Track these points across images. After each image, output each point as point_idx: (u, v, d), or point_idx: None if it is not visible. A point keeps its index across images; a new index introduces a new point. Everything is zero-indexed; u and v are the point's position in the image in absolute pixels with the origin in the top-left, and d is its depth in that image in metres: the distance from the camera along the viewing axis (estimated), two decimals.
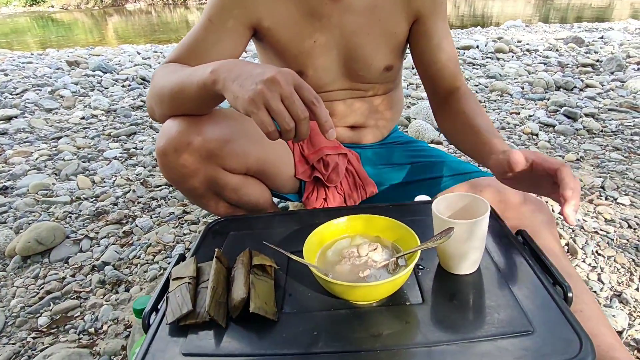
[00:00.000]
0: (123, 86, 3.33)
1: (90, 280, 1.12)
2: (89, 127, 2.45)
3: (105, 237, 1.32)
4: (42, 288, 1.10)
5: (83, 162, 1.92)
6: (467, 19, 9.98)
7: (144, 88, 3.28)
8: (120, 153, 2.01)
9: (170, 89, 0.70)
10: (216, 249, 0.61)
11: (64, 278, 1.14)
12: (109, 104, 2.83)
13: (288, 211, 0.86)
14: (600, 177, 1.55)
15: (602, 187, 1.48)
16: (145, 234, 1.33)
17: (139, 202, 1.53)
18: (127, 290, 1.08)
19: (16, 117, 2.61)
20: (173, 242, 1.28)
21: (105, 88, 3.28)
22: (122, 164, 1.89)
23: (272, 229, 0.73)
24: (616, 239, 1.18)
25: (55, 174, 1.81)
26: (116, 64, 4.36)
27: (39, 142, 2.22)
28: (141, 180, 1.69)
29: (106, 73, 3.71)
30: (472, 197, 0.58)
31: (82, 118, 2.61)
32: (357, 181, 0.97)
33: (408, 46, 0.92)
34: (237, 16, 0.80)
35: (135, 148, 2.07)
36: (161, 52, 4.83)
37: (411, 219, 0.65)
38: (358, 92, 0.93)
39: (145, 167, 1.83)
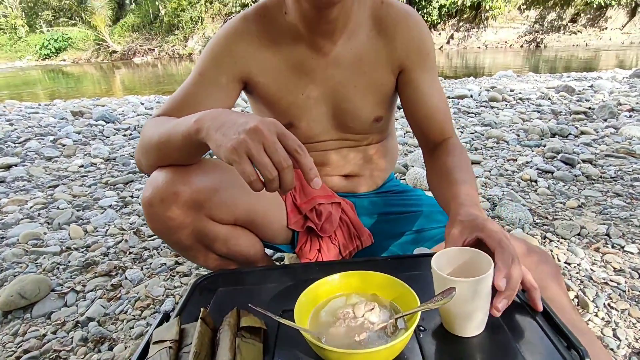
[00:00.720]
0: (124, 135, 3.38)
1: (72, 337, 1.06)
2: (87, 175, 2.44)
3: (92, 290, 1.26)
4: (20, 346, 1.03)
5: (77, 210, 1.89)
6: (460, 70, 10.36)
7: None
8: (116, 201, 1.98)
9: (157, 140, 0.69)
10: (202, 309, 0.56)
11: (44, 335, 1.07)
12: (109, 152, 2.85)
13: (280, 265, 0.82)
14: (604, 224, 1.52)
15: (608, 235, 1.44)
16: (134, 286, 1.28)
17: (130, 253, 1.49)
18: (110, 348, 1.01)
19: (16, 165, 2.62)
20: (163, 295, 1.22)
21: (107, 137, 3.32)
22: (117, 212, 1.86)
23: (263, 284, 0.69)
24: (628, 290, 1.13)
25: (48, 223, 1.78)
26: (119, 114, 4.45)
27: (35, 190, 2.20)
28: (134, 230, 1.65)
29: (109, 122, 3.77)
30: (474, 252, 0.54)
31: (81, 166, 2.61)
32: (352, 231, 0.94)
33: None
34: (227, 71, 0.81)
35: (132, 196, 2.05)
36: (164, 103, 4.95)
37: (410, 274, 0.61)
38: (350, 142, 0.92)
39: (139, 216, 1.79)
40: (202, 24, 21.25)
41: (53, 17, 28.87)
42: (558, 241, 1.42)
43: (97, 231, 1.68)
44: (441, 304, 0.47)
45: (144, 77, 15.39)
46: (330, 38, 0.80)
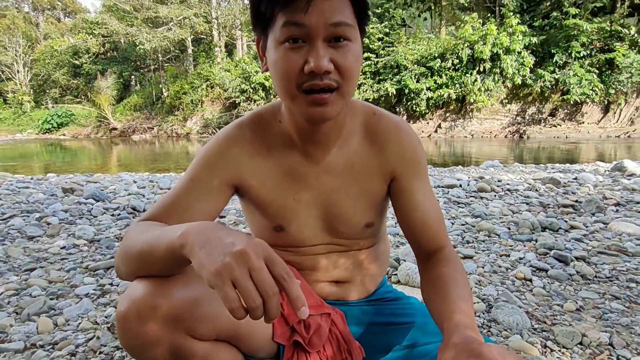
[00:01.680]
0: (112, 215, 3.33)
1: None
2: (67, 258, 2.35)
3: None
4: None
5: (51, 299, 1.77)
6: (448, 157, 10.77)
7: (133, 218, 3.27)
8: (94, 289, 1.88)
9: (139, 249, 0.66)
10: None
11: None
12: (94, 233, 2.78)
13: None
14: (606, 331, 1.45)
15: (611, 344, 1.36)
16: None
17: (100, 352, 1.37)
18: None
19: None
20: None
21: (94, 216, 3.26)
22: (93, 302, 1.75)
23: None
24: None
25: (17, 313, 1.65)
26: (110, 192, 4.44)
27: (10, 273, 2.09)
28: (109, 325, 1.54)
29: (98, 201, 3.74)
30: None
31: (63, 247, 2.52)
32: (342, 345, 0.87)
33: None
34: (219, 175, 0.81)
35: (111, 284, 1.95)
36: (157, 182, 4.98)
37: None
38: (340, 246, 0.90)
39: (116, 308, 1.68)
40: (201, 106, 22.35)
41: (59, 95, 30.32)
42: (560, 351, 1.34)
43: (68, 324, 1.56)
44: None
45: (141, 154, 15.72)
46: (323, 147, 0.82)
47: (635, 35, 15.72)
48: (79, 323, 1.56)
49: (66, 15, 38.32)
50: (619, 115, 16.26)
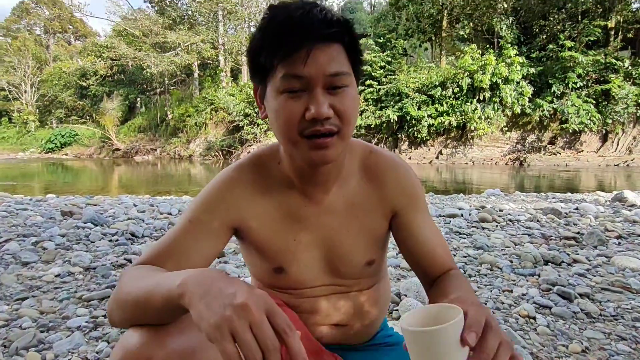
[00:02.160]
0: (110, 241, 3.29)
1: None
2: (61, 287, 2.30)
3: None
4: None
5: (41, 331, 1.73)
6: (450, 184, 10.77)
7: (131, 244, 3.24)
8: (86, 322, 1.83)
9: (135, 296, 0.64)
10: None
11: None
12: (91, 260, 2.74)
13: None
14: None
15: None
16: None
17: None
18: None
19: None
20: None
21: (92, 242, 3.23)
22: (85, 336, 1.70)
23: None
24: None
25: (5, 347, 1.61)
26: (109, 216, 4.42)
27: (0, 302, 2.05)
28: None
29: (97, 225, 3.72)
30: (444, 306, 0.53)
31: (57, 275, 2.48)
32: None
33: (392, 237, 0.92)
34: (219, 217, 0.80)
35: (104, 316, 1.90)
36: (157, 206, 4.96)
37: None
38: (341, 287, 0.89)
39: (109, 343, 1.64)
40: (205, 129, 22.58)
41: (65, 115, 30.70)
42: None
43: None
44: None
45: (142, 175, 15.77)
46: (323, 188, 0.82)
47: (630, 67, 16.02)
48: (69, 359, 1.52)
49: (77, 38, 39.25)
50: (617, 144, 16.37)
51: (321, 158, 0.70)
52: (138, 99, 29.86)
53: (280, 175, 0.83)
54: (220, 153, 21.18)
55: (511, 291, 2.20)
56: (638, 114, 15.70)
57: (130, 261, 2.75)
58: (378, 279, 0.94)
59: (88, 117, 29.18)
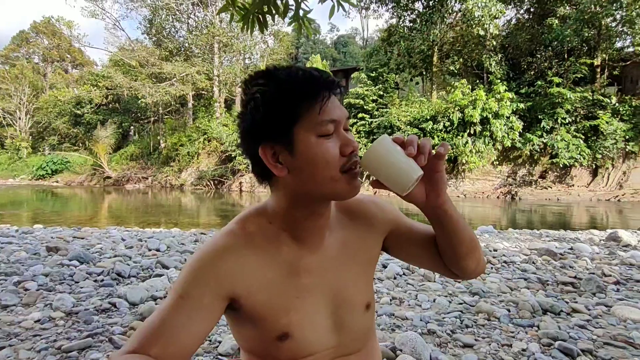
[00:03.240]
0: (95, 281, 3.18)
1: None
2: (40, 335, 2.19)
3: None
4: None
5: None
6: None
7: (117, 285, 3.12)
8: None
9: None
10: None
11: None
12: (73, 303, 2.63)
13: None
14: None
15: None
16: None
17: None
18: None
19: None
20: None
21: (76, 282, 3.11)
22: None
23: None
24: None
25: None
26: (96, 251, 4.30)
27: None
28: None
29: (82, 263, 3.60)
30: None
31: (37, 321, 2.37)
32: None
33: (398, 259, 0.97)
34: (212, 290, 0.74)
35: None
36: (145, 242, 4.84)
37: None
38: (344, 349, 0.84)
39: None
40: (197, 158, 22.57)
41: (58, 142, 30.59)
42: None
43: None
44: None
45: (132, 204, 15.57)
46: (319, 234, 0.82)
47: (617, 104, 16.47)
48: None
49: (74, 67, 39.68)
50: (608, 179, 16.57)
51: (357, 188, 0.76)
52: (132, 127, 29.92)
53: (273, 235, 0.81)
54: (212, 183, 21.08)
55: (510, 345, 2.12)
56: (627, 150, 15.99)
57: (114, 305, 2.64)
58: (373, 335, 0.93)
59: (81, 145, 29.08)
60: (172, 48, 25.39)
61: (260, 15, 2.32)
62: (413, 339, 1.95)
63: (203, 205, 15.33)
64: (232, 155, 20.19)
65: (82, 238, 5.28)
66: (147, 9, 25.77)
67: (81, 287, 3.01)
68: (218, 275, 0.75)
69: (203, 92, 25.76)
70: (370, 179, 0.76)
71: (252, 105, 0.74)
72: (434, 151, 0.74)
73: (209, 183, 21.16)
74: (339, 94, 0.76)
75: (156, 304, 2.64)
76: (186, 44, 26.03)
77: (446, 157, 0.76)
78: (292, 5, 2.38)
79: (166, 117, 27.75)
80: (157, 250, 4.47)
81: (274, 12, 2.33)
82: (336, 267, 0.84)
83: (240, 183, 19.98)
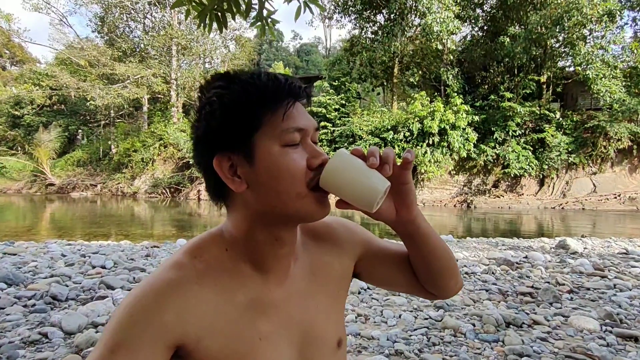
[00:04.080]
0: (25, 306, 2.81)
1: None
2: None
3: None
4: None
5: None
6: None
7: (51, 310, 2.78)
8: None
9: None
10: None
11: None
12: None
13: None
14: None
15: None
16: None
17: None
18: None
19: None
20: None
21: (1, 308, 2.73)
22: None
23: None
24: None
25: None
26: (30, 270, 3.87)
27: None
28: None
29: (12, 285, 3.20)
30: None
31: None
32: None
33: (374, 285, 0.89)
34: (153, 340, 0.58)
35: None
36: (89, 258, 4.43)
37: None
38: None
39: None
40: (152, 165, 21.61)
41: None
42: None
43: None
44: None
45: (78, 214, 14.57)
46: (286, 264, 0.71)
47: (560, 119, 17.59)
48: None
49: (13, 64, 36.89)
50: (553, 189, 17.58)
51: (327, 209, 0.67)
52: (79, 131, 28.16)
53: (231, 264, 0.67)
54: (168, 191, 20.24)
55: None
56: (569, 161, 17.05)
57: (46, 335, 2.33)
58: None
59: (20, 148, 26.95)
60: (125, 48, 24.25)
61: (219, 13, 2.14)
62: None
63: (158, 215, 14.63)
64: (190, 162, 19.50)
65: (14, 254, 4.75)
66: (98, 6, 24.51)
67: (7, 314, 2.65)
68: (162, 319, 0.59)
69: (159, 95, 24.75)
70: (335, 199, 0.67)
71: (207, 110, 0.64)
72: (399, 161, 0.66)
73: (164, 191, 20.29)
74: (305, 101, 0.67)
75: (97, 332, 2.35)
76: (142, 45, 24.97)
77: (412, 166, 0.67)
78: (256, 4, 2.22)
79: (118, 120, 26.39)
80: (102, 267, 4.08)
81: (234, 10, 2.16)
82: (304, 301, 0.73)
83: (199, 191, 19.32)
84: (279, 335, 0.68)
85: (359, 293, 3.35)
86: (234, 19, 2.37)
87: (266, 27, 2.31)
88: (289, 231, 0.69)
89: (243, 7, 2.32)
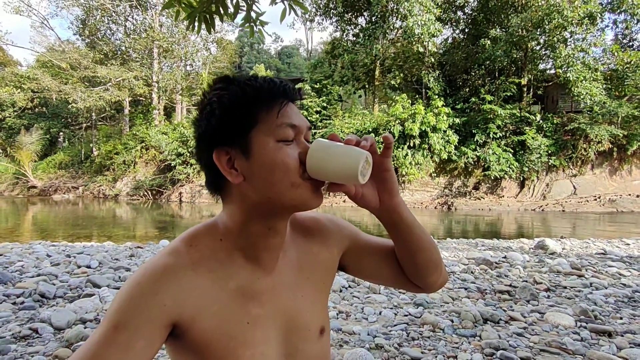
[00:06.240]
0: (14, 303, 2.83)
1: None
2: None
3: None
4: None
5: None
6: (382, 229, 10.99)
7: (40, 307, 2.80)
8: None
9: None
10: None
11: None
12: None
13: None
14: None
15: None
16: None
17: None
18: None
19: None
20: None
21: None
22: None
23: None
24: None
25: None
26: (17, 270, 3.86)
27: None
28: None
29: None
30: None
31: None
32: None
33: (361, 278, 0.95)
34: (152, 319, 0.65)
35: None
36: (74, 258, 4.43)
37: None
38: None
39: None
40: (134, 167, 21.34)
41: None
42: None
43: None
44: None
45: (61, 216, 14.32)
46: (273, 254, 0.77)
47: (540, 121, 18.05)
48: None
49: None
50: (533, 191, 18.01)
51: (321, 197, 0.72)
52: (61, 134, 27.62)
53: (224, 253, 0.74)
54: (150, 193, 20.00)
55: (456, 357, 2.17)
56: (549, 163, 17.50)
57: (36, 331, 2.36)
58: None
59: (1, 151, 26.32)
60: (107, 51, 23.94)
61: (207, 15, 2.21)
62: (362, 356, 1.92)
63: (140, 217, 14.47)
64: (172, 165, 19.35)
65: (0, 255, 4.72)
66: (79, 9, 24.13)
67: None
68: (160, 300, 0.66)
69: (141, 98, 24.46)
70: (325, 185, 0.73)
71: (208, 109, 0.70)
72: (378, 149, 0.72)
73: (146, 193, 20.05)
74: (298, 100, 0.75)
75: (85, 327, 2.39)
76: (123, 48, 24.67)
77: (392, 152, 0.74)
78: (243, 6, 2.31)
79: (100, 123, 25.98)
80: (88, 267, 4.10)
81: (222, 12, 2.24)
82: (290, 291, 0.79)
83: (180, 193, 19.16)
84: (266, 319, 0.75)
85: (341, 291, 3.45)
86: (222, 20, 2.46)
87: (255, 29, 2.39)
88: (282, 221, 0.75)
89: (231, 9, 2.40)
